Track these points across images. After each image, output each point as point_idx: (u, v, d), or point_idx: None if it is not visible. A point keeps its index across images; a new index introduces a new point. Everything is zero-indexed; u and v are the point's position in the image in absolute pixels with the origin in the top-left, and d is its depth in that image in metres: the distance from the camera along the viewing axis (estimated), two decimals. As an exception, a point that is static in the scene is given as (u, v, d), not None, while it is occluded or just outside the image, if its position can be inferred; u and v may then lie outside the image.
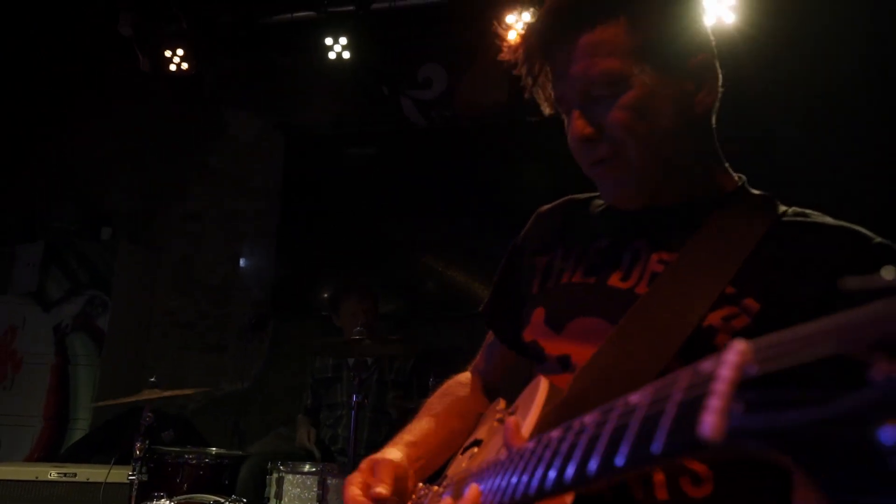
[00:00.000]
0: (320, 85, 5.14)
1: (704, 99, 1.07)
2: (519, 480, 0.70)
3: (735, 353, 0.41)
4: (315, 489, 2.98)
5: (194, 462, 3.50)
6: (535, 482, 0.66)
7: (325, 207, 5.16)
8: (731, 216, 1.05)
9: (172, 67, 4.91)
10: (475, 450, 1.13)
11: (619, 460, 0.51)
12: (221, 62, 5.16)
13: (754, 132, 4.13)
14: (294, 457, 3.51)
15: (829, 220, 1.02)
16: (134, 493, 3.20)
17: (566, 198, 1.30)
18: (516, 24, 4.28)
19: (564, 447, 0.62)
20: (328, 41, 4.61)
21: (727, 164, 1.13)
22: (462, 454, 1.22)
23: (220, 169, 5.53)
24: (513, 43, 1.16)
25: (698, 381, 0.44)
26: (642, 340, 0.95)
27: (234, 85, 5.41)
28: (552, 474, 0.63)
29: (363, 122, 5.25)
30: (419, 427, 1.28)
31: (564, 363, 1.07)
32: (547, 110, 1.15)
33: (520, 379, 1.35)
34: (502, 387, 1.35)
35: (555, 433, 0.67)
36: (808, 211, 1.05)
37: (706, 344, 0.93)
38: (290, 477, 3.04)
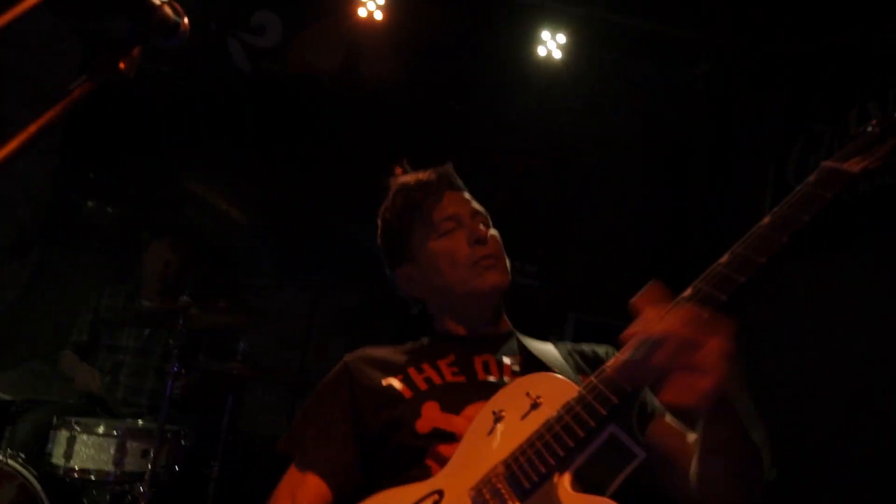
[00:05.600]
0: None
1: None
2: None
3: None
4: (112, 451, 2.86)
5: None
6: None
7: (117, 125, 4.70)
8: (528, 340, 1.57)
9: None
10: (434, 498, 1.24)
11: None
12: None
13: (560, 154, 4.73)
14: (83, 411, 3.29)
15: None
16: None
17: (370, 347, 1.59)
18: (367, 3, 4.31)
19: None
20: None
21: None
22: None
23: (-6, 61, 4.73)
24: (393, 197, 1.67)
25: None
26: None
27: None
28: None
29: (178, 53, 4.86)
30: None
31: None
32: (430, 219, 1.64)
33: None
34: None
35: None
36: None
37: None
38: (83, 437, 2.87)
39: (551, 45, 4.37)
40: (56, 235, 4.60)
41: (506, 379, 1.43)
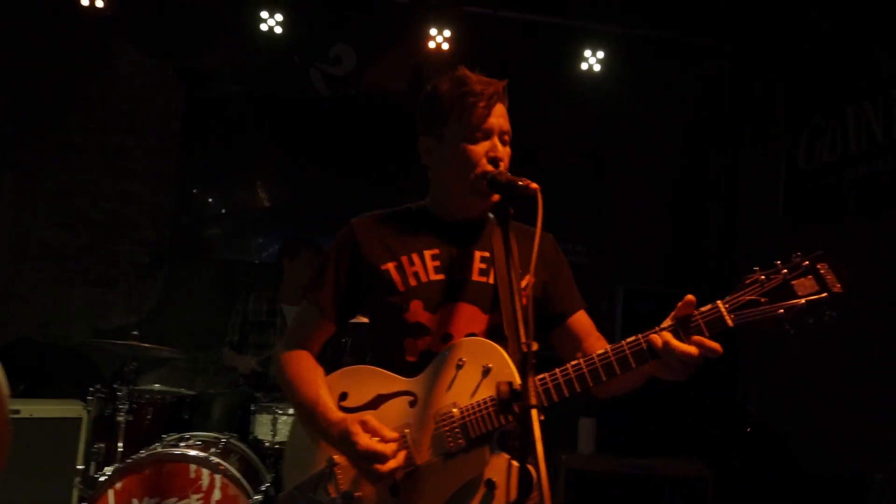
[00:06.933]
0: (224, 35, 5.26)
1: None
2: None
3: None
4: (306, 427, 3.66)
5: (160, 399, 3.89)
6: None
7: (226, 158, 5.44)
8: (497, 230, 1.74)
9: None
10: (410, 398, 1.68)
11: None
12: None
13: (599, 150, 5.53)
14: (276, 397, 3.94)
15: (532, 228, 1.63)
16: (121, 432, 3.58)
17: (376, 213, 1.87)
18: (436, 37, 5.03)
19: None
20: (264, 14, 4.88)
21: None
22: (375, 409, 1.69)
23: (104, 102, 5.40)
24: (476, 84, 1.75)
25: None
26: (507, 308, 1.66)
27: (124, 16, 5.22)
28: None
29: (268, 82, 5.54)
30: (330, 398, 1.73)
31: (445, 337, 1.72)
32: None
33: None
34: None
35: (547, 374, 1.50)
36: (520, 224, 1.76)
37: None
38: (283, 418, 3.67)
39: (592, 60, 5.15)
40: (180, 253, 5.36)
41: (474, 278, 1.75)
